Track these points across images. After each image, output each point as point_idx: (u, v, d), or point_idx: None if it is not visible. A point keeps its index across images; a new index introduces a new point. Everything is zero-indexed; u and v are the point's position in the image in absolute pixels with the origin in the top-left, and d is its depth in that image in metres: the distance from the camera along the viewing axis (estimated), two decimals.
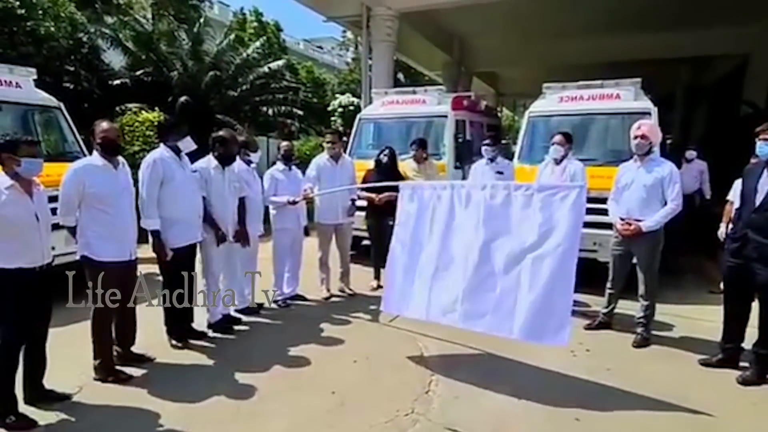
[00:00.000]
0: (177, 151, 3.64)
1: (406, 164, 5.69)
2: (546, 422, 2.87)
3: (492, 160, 5.44)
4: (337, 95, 21.81)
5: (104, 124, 3.23)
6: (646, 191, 3.86)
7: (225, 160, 4.00)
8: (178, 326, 3.83)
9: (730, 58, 12.92)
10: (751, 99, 10.21)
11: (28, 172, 2.73)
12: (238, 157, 4.22)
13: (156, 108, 9.40)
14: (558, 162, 4.61)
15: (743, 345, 3.47)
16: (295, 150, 5.01)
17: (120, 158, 3.29)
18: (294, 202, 4.63)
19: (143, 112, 9.13)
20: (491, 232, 3.24)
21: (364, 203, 5.34)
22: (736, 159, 8.65)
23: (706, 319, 4.43)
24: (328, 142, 5.06)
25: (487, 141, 5.53)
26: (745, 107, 10.16)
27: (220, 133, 4.10)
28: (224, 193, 4.00)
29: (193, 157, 3.88)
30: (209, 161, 3.99)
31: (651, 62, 12.46)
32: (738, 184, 5.17)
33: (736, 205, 4.05)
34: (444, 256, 3.42)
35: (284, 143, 4.93)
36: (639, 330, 3.94)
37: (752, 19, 10.89)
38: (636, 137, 3.90)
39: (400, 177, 5.15)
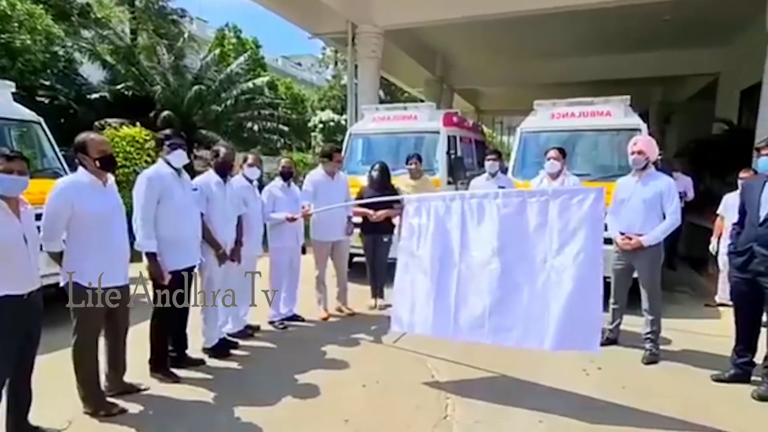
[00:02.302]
0: (176, 167, 3.45)
1: (401, 180, 5.61)
2: None
3: (493, 175, 5.39)
4: (317, 111, 21.84)
5: (95, 136, 2.99)
6: (645, 205, 3.88)
7: (224, 173, 3.85)
8: (164, 361, 3.51)
9: (701, 77, 13.50)
10: (724, 117, 10.59)
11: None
12: (241, 174, 4.06)
13: (137, 123, 9.13)
14: (555, 177, 4.62)
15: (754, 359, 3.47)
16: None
17: (108, 175, 3.06)
18: (293, 219, 4.48)
19: (124, 127, 8.84)
20: (509, 243, 3.15)
21: (360, 220, 5.21)
22: (716, 174, 8.92)
23: (707, 333, 4.46)
24: (337, 161, 4.93)
25: (491, 155, 5.45)
26: (719, 124, 10.53)
27: (215, 147, 3.96)
28: (225, 209, 3.83)
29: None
30: (209, 177, 3.83)
31: (626, 81, 12.88)
32: (728, 198, 5.28)
33: (731, 219, 4.11)
34: (463, 270, 3.30)
35: (284, 160, 4.78)
36: (648, 346, 3.91)
37: (722, 41, 11.43)
38: (633, 152, 3.92)
39: (394, 192, 5.06)
